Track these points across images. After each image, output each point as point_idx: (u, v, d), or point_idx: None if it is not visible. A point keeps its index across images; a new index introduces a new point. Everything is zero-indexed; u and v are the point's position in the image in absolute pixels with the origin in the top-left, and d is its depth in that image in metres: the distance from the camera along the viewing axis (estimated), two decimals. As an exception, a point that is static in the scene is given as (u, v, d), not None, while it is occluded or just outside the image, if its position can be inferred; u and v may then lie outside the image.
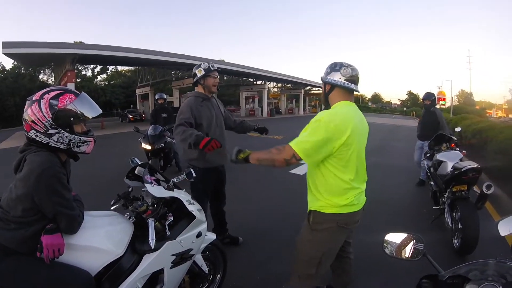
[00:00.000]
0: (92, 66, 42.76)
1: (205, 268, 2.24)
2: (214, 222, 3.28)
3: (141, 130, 6.72)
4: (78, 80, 34.75)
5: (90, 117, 1.60)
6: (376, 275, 2.89)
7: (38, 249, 1.43)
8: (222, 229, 3.32)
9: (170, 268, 1.84)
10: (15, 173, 1.52)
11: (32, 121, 1.49)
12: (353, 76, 1.90)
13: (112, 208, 1.91)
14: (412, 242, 1.40)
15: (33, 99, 1.52)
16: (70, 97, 1.55)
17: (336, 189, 1.87)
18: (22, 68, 37.93)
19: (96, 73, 46.41)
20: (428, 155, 4.98)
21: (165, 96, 7.15)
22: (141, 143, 6.30)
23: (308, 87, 48.64)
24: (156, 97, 7.10)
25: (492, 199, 4.83)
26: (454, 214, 3.47)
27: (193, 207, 1.99)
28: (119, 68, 46.00)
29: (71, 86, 16.30)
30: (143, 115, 30.08)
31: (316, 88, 48.55)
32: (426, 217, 4.22)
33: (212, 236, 2.29)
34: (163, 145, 6.17)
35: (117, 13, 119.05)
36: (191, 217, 1.95)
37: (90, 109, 1.61)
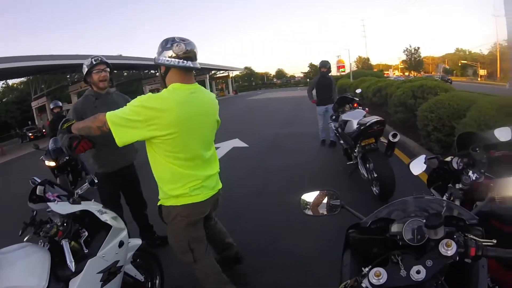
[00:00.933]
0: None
1: (139, 277, 2.11)
2: (139, 226, 3.09)
3: (42, 147, 5.93)
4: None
5: None
6: (304, 235, 3.03)
7: None
8: (149, 232, 3.14)
9: (101, 287, 1.67)
10: None
11: None
12: (188, 52, 1.70)
13: (25, 239, 1.65)
14: (327, 197, 1.40)
15: None
16: None
17: (168, 178, 1.77)
18: None
19: (-15, 93, 39.31)
20: (333, 117, 5.33)
21: (60, 104, 6.41)
22: (44, 161, 5.56)
23: (213, 71, 47.96)
24: (51, 106, 6.33)
25: (401, 147, 5.44)
26: (367, 165, 3.80)
27: (107, 216, 1.81)
28: (10, 82, 39.73)
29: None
30: (44, 130, 26.62)
31: (221, 72, 48.23)
32: (343, 173, 4.61)
33: (137, 242, 2.13)
34: (67, 158, 5.52)
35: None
36: (107, 227, 1.78)
37: None
